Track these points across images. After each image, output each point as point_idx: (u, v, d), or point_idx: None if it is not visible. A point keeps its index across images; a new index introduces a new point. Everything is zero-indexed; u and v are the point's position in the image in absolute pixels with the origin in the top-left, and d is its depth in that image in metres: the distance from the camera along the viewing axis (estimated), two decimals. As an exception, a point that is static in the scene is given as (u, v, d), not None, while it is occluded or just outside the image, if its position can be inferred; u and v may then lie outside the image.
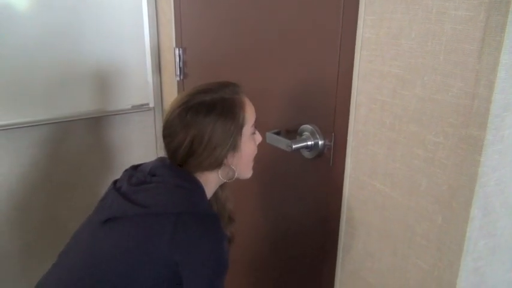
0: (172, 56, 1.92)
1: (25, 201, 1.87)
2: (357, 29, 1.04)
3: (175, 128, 1.00)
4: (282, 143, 1.26)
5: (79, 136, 1.94)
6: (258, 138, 1.11)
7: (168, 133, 1.02)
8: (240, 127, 1.01)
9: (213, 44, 1.68)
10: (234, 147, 1.01)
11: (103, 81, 1.92)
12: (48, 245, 1.95)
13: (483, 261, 0.98)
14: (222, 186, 1.17)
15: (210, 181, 1.06)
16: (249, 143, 1.06)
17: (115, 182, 1.08)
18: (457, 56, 0.85)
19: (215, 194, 1.14)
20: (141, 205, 0.96)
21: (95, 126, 1.97)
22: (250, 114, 1.04)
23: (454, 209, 0.92)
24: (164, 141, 1.04)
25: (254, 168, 1.13)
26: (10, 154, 1.79)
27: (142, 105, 2.06)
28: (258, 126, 1.11)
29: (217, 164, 1.02)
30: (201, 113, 0.98)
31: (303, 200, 1.36)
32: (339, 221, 1.22)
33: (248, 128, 1.04)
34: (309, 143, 1.24)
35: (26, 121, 1.76)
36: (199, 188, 1.02)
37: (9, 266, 1.90)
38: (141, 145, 2.13)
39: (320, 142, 1.23)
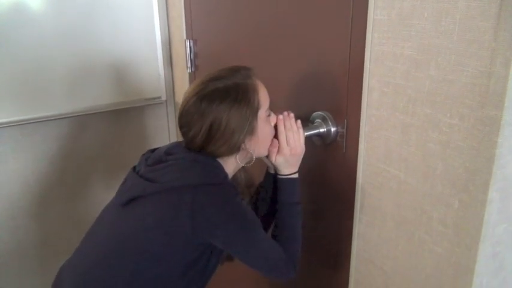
0: (183, 48, 1.91)
1: (41, 195, 1.89)
2: (368, 11, 1.02)
3: (191, 117, 1.00)
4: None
5: (92, 130, 1.95)
6: (273, 119, 1.10)
7: (185, 122, 1.02)
8: (255, 111, 1.01)
9: (223, 34, 1.67)
10: (251, 131, 1.02)
11: (115, 76, 1.92)
12: (64, 238, 1.97)
13: (502, 246, 0.95)
14: (243, 170, 1.17)
15: (229, 166, 1.06)
16: (265, 125, 1.06)
17: (134, 167, 1.10)
18: (471, 34, 0.83)
19: (235, 178, 1.14)
20: (159, 182, 0.99)
21: (107, 121, 1.98)
22: (264, 97, 1.04)
23: (471, 193, 0.90)
24: (181, 130, 1.05)
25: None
26: (25, 149, 1.81)
27: (154, 98, 2.06)
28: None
29: (235, 149, 1.02)
30: (216, 101, 0.98)
31: (316, 188, 1.35)
32: (353, 208, 1.20)
33: (263, 111, 1.04)
34: (321, 130, 1.22)
35: (40, 116, 1.77)
36: (216, 163, 1.03)
37: (26, 259, 1.93)
38: (154, 138, 2.13)
39: (332, 129, 1.21)
